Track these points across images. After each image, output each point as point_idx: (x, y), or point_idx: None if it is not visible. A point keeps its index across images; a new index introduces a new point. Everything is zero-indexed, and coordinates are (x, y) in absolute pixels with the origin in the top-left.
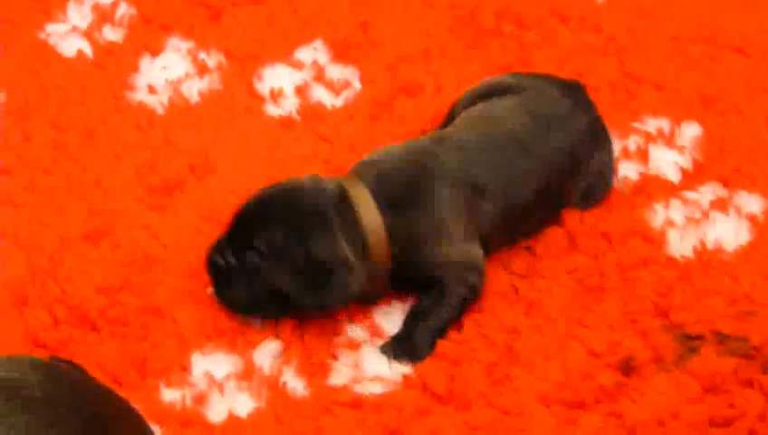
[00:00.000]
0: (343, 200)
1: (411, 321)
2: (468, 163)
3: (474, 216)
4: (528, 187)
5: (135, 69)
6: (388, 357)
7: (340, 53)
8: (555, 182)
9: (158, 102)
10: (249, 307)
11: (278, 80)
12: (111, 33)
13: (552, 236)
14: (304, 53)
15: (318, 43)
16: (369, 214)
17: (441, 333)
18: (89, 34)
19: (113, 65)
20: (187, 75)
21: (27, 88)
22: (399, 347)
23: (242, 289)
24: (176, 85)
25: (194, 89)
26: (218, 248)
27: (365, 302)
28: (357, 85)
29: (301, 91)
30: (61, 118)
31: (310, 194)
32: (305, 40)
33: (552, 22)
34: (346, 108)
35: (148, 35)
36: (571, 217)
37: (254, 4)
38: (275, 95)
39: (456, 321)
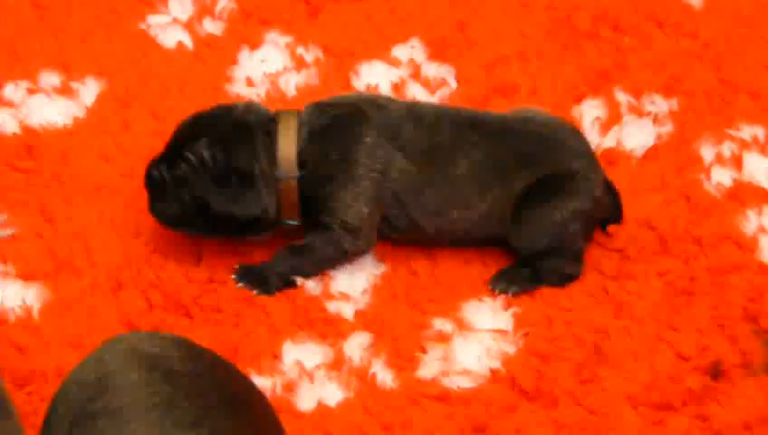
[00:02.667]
0: (270, 125)
1: (277, 255)
2: (404, 122)
3: (389, 173)
4: (462, 162)
5: (234, 61)
6: (239, 280)
7: (437, 52)
8: (491, 177)
9: (255, 95)
10: (179, 220)
11: (375, 76)
12: (211, 26)
13: (644, 239)
14: (401, 51)
15: (415, 41)
16: (286, 141)
17: (293, 278)
18: (189, 26)
19: (213, 57)
20: (285, 69)
21: (128, 77)
22: (253, 276)
23: (172, 200)
24: (273, 79)
25: (291, 83)
26: (155, 163)
27: (281, 228)
28: (452, 84)
29: (397, 88)
30: (160, 107)
31: (240, 114)
32: (402, 38)
33: (649, 27)
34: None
35: (247, 29)
36: (663, 221)
37: (353, 2)
38: (372, 91)
39: (315, 274)
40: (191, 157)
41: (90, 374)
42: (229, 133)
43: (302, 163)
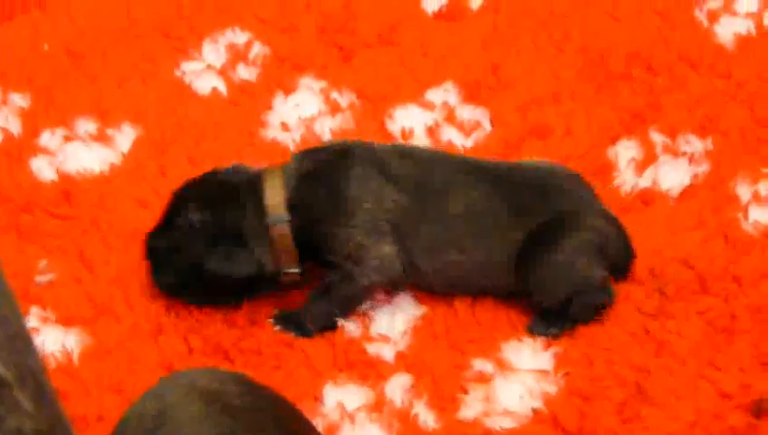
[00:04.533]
0: (255, 181)
1: (308, 301)
2: (391, 157)
3: (383, 205)
4: (453, 200)
5: (268, 106)
6: (276, 324)
7: (471, 95)
8: (487, 210)
9: (290, 139)
10: (182, 288)
11: (409, 120)
12: (245, 72)
13: (683, 278)
14: (435, 94)
15: (449, 85)
16: (273, 190)
17: (328, 320)
18: (223, 73)
19: (247, 103)
20: (320, 113)
21: (164, 123)
22: (290, 320)
23: (171, 269)
24: (308, 123)
25: (326, 127)
26: (152, 234)
27: (284, 285)
28: (487, 126)
29: (432, 131)
30: (196, 152)
31: (224, 175)
32: (436, 81)
33: (682, 67)
34: (476, 148)
35: (281, 74)
36: (702, 260)
37: (386, 46)
38: (407, 135)
39: (346, 313)
40: (181, 223)
41: (149, 408)
42: (215, 194)
43: (292, 208)
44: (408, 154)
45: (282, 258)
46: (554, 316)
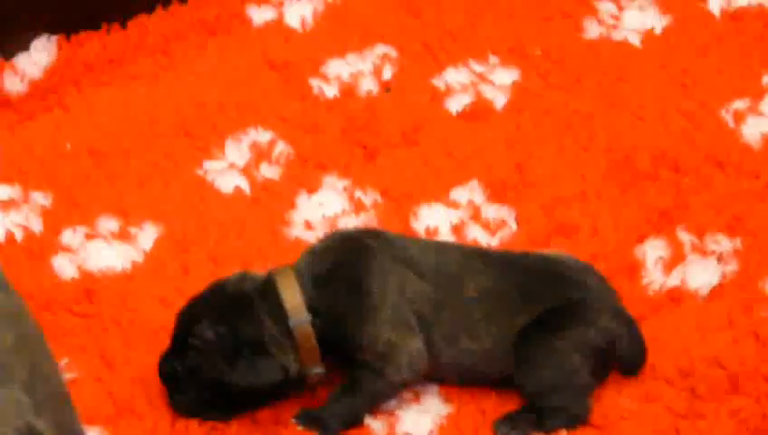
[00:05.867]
0: (268, 285)
1: (331, 399)
2: (407, 245)
3: (406, 295)
4: (470, 285)
5: (292, 205)
6: (299, 424)
7: (496, 194)
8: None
9: (314, 238)
10: (202, 408)
11: (434, 218)
12: (268, 171)
13: (713, 378)
14: (460, 193)
15: (474, 184)
16: (290, 292)
17: (353, 419)
18: (246, 172)
19: (270, 202)
20: (344, 212)
21: (186, 222)
22: (314, 419)
23: (191, 391)
24: (332, 221)
25: (350, 225)
26: (165, 358)
27: (308, 387)
28: (513, 225)
29: (457, 229)
30: (219, 251)
31: (234, 286)
32: (461, 180)
33: (709, 167)
34: (502, 247)
35: (304, 173)
36: (732, 359)
37: (410, 146)
38: (431, 233)
39: (371, 410)
40: (196, 342)
41: None
42: (227, 307)
43: (313, 311)
44: (421, 242)
45: (305, 360)
46: (520, 418)
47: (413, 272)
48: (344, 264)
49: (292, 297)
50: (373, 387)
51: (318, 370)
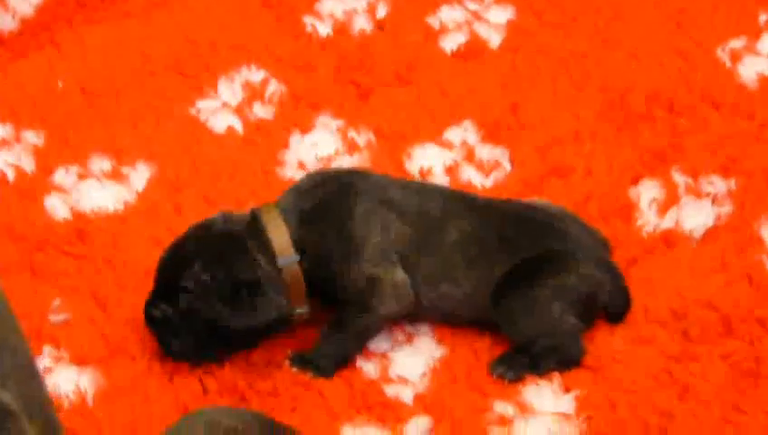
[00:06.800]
0: (255, 224)
1: (321, 339)
2: (392, 187)
3: (389, 235)
4: (452, 229)
5: (285, 145)
6: (293, 365)
7: (491, 134)
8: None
9: None
10: (197, 351)
11: (428, 159)
12: (261, 111)
13: (706, 321)
14: (454, 134)
15: (468, 124)
16: (278, 231)
17: (344, 357)
18: (239, 111)
19: (263, 141)
20: (337, 152)
21: (178, 162)
22: (306, 361)
23: (185, 334)
24: (326, 162)
25: (344, 166)
26: (151, 302)
27: (292, 323)
28: (507, 166)
29: (451, 170)
30: (211, 191)
31: (220, 226)
32: (455, 121)
33: (704, 108)
34: (496, 188)
35: (297, 113)
36: (725, 302)
37: (404, 86)
38: (425, 174)
39: (361, 347)
40: (191, 285)
41: None
42: (220, 248)
43: (299, 250)
44: (405, 184)
45: (293, 299)
46: (516, 360)
47: (395, 214)
48: (329, 203)
49: (280, 236)
50: (360, 322)
51: (302, 310)
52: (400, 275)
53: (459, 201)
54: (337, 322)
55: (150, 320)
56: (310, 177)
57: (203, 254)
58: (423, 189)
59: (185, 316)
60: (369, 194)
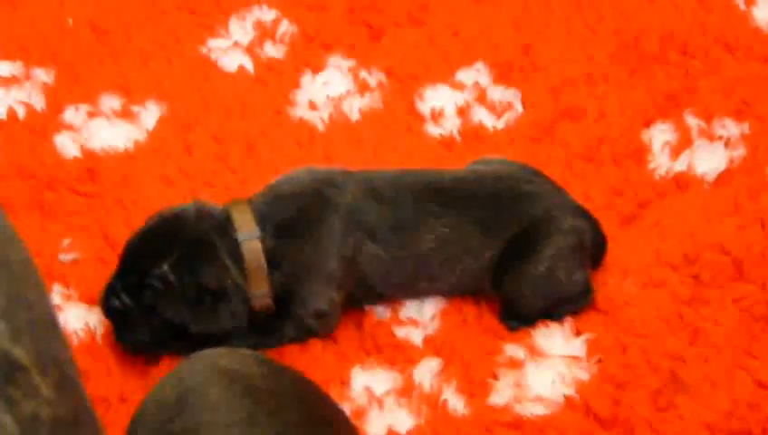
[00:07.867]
0: (226, 225)
1: (241, 331)
2: (368, 201)
3: (358, 258)
4: (428, 237)
5: (296, 85)
6: None
7: (502, 75)
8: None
9: (318, 119)
10: (153, 346)
11: (439, 100)
12: (273, 50)
13: (718, 264)
14: (466, 75)
15: (480, 65)
16: (250, 238)
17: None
18: (250, 50)
19: (274, 81)
20: (348, 93)
21: (189, 101)
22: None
23: (144, 330)
24: (336, 102)
25: (355, 106)
26: (113, 290)
27: (254, 310)
28: (518, 108)
29: (462, 111)
30: (221, 131)
31: (193, 223)
32: (467, 62)
33: (718, 50)
34: (507, 130)
35: (309, 53)
36: (737, 246)
37: (416, 26)
38: (436, 115)
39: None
40: (157, 283)
41: (169, 393)
42: (190, 251)
43: (270, 259)
44: (380, 193)
45: (260, 309)
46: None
47: (370, 239)
48: (306, 219)
49: (252, 244)
50: (296, 336)
51: (262, 292)
52: (338, 306)
53: (431, 199)
54: (269, 327)
55: (108, 309)
56: (289, 180)
57: (173, 252)
58: (396, 194)
59: (144, 312)
60: (347, 214)
